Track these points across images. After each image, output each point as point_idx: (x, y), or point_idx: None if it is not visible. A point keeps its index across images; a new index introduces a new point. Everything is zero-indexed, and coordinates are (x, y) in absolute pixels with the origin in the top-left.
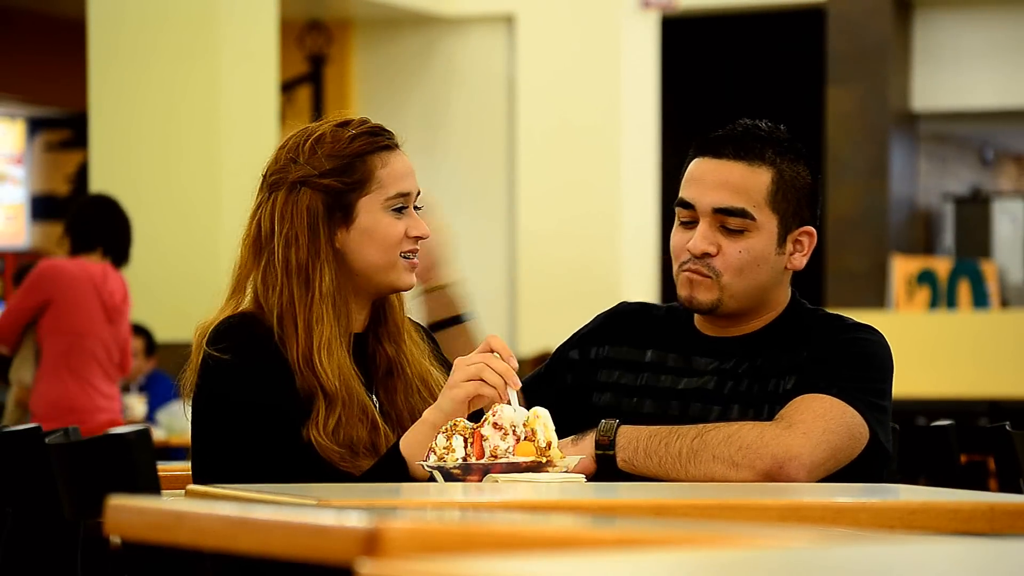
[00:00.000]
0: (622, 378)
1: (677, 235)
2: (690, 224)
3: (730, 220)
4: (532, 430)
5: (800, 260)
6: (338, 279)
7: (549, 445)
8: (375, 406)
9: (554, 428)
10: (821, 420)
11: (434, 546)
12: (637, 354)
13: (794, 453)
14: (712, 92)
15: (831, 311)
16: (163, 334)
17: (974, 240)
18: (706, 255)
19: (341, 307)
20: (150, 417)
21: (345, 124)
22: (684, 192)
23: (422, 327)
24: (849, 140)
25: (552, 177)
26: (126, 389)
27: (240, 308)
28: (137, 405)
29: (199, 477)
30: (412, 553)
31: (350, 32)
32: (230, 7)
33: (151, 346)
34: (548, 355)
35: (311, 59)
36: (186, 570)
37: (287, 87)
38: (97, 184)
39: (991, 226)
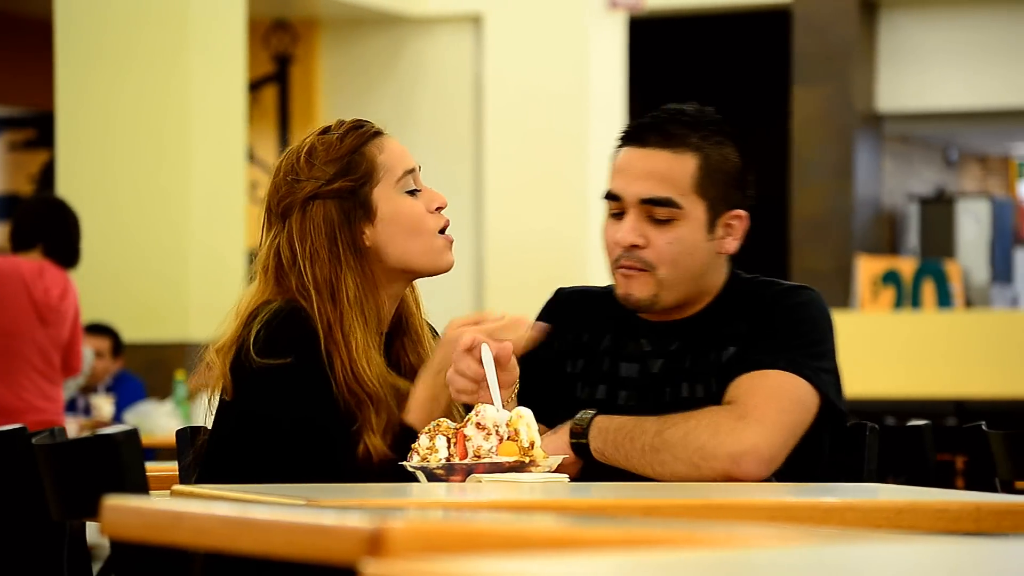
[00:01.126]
0: (576, 366)
1: (609, 229)
2: (620, 216)
3: (657, 210)
4: (515, 430)
5: (732, 244)
6: (364, 281)
7: (532, 445)
8: None
9: (537, 428)
10: (774, 401)
11: (438, 546)
12: (580, 338)
13: (749, 447)
14: (679, 92)
15: (766, 277)
16: (131, 334)
17: (938, 240)
18: (635, 247)
19: (371, 310)
20: (117, 418)
21: (326, 130)
22: (610, 184)
23: (432, 328)
24: (815, 141)
25: (520, 177)
26: (93, 390)
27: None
28: (104, 406)
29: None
30: (416, 553)
31: (316, 32)
32: (198, 6)
33: (118, 346)
34: None
35: (277, 59)
36: (173, 570)
37: (253, 87)
38: (63, 184)
39: (955, 226)
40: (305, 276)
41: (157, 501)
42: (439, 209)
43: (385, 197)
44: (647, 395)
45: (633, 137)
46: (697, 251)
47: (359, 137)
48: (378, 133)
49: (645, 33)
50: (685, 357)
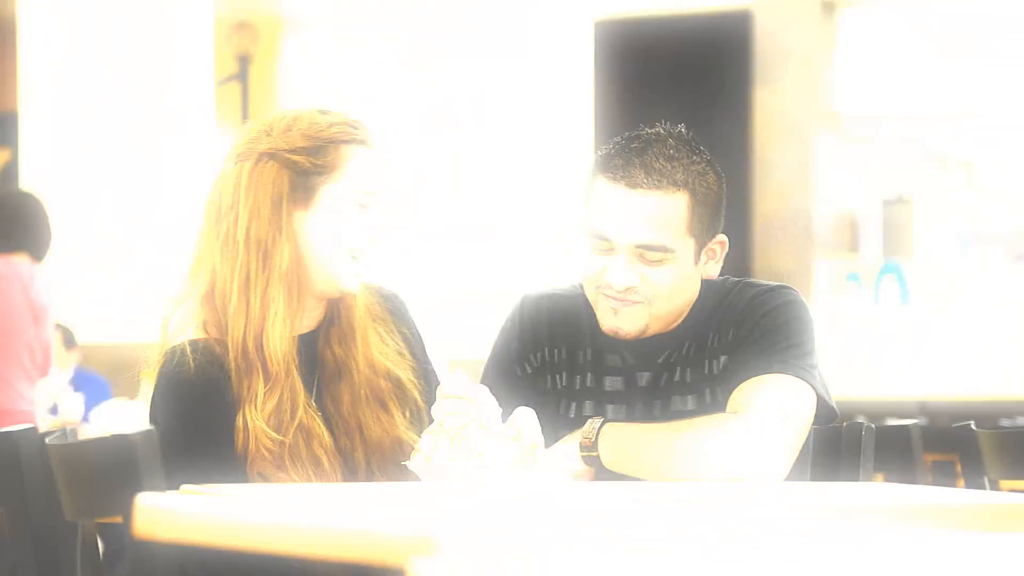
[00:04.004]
0: (556, 382)
1: (594, 262)
2: (607, 252)
3: (650, 254)
4: (517, 430)
5: (714, 268)
6: (295, 262)
7: (535, 445)
8: (318, 413)
9: (539, 427)
10: (779, 406)
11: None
12: (558, 353)
13: (760, 458)
14: (642, 93)
15: (737, 278)
16: (86, 335)
17: (900, 241)
18: (630, 288)
19: (295, 292)
20: (85, 418)
21: (326, 112)
22: (600, 225)
23: (397, 319)
24: (775, 141)
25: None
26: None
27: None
28: (75, 406)
29: None
30: (463, 557)
31: (278, 32)
32: (168, 7)
33: (69, 339)
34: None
35: (238, 58)
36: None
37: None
38: (26, 183)
39: (916, 227)
40: (237, 228)
41: (193, 501)
42: (371, 238)
43: (330, 196)
44: (635, 408)
45: (620, 174)
46: (688, 282)
47: (346, 133)
48: (365, 141)
49: (610, 36)
50: (675, 370)
